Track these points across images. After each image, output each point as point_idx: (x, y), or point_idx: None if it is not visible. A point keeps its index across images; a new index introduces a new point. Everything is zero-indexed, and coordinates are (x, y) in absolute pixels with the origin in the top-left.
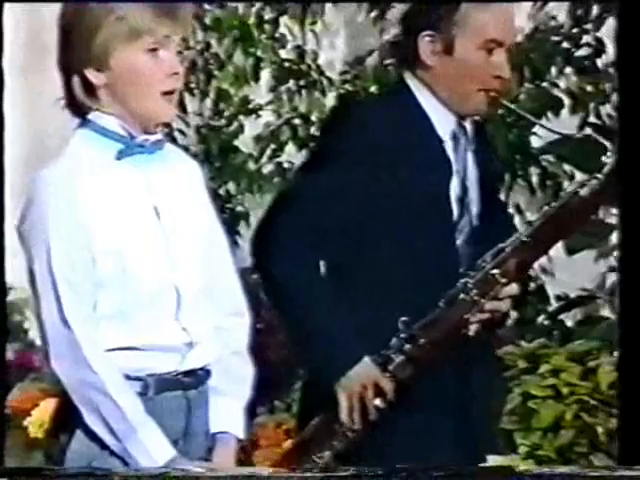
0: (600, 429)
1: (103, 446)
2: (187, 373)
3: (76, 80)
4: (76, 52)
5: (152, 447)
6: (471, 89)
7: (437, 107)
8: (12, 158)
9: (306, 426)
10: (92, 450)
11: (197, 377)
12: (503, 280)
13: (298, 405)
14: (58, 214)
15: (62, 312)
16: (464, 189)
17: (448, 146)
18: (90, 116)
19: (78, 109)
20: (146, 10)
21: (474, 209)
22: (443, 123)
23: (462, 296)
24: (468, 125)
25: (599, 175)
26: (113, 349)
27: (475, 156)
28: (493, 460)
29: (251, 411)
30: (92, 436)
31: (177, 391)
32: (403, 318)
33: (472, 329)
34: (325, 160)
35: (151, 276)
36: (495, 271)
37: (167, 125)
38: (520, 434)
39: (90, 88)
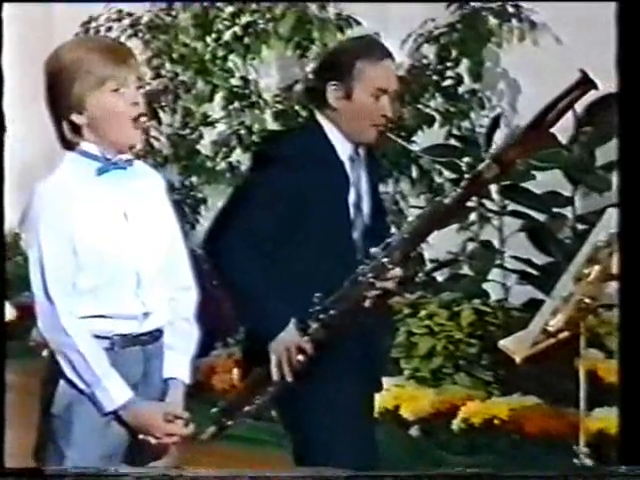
0: (461, 357)
1: (79, 391)
2: (144, 333)
3: (64, 124)
4: (60, 102)
5: (113, 392)
6: (364, 125)
7: (339, 138)
8: None
9: (249, 360)
10: (72, 392)
11: (152, 336)
12: (390, 266)
13: (242, 345)
14: (48, 218)
15: (47, 289)
16: (358, 197)
17: (347, 166)
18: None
19: (68, 143)
20: (107, 62)
21: (365, 211)
22: (343, 149)
23: (360, 278)
24: (361, 151)
25: (458, 188)
26: (88, 316)
27: (367, 173)
28: (386, 381)
29: (209, 346)
30: (70, 384)
31: (137, 346)
32: (318, 294)
33: (368, 302)
34: (259, 176)
35: (118, 263)
36: (385, 259)
37: (131, 147)
38: (404, 361)
39: (75, 127)
